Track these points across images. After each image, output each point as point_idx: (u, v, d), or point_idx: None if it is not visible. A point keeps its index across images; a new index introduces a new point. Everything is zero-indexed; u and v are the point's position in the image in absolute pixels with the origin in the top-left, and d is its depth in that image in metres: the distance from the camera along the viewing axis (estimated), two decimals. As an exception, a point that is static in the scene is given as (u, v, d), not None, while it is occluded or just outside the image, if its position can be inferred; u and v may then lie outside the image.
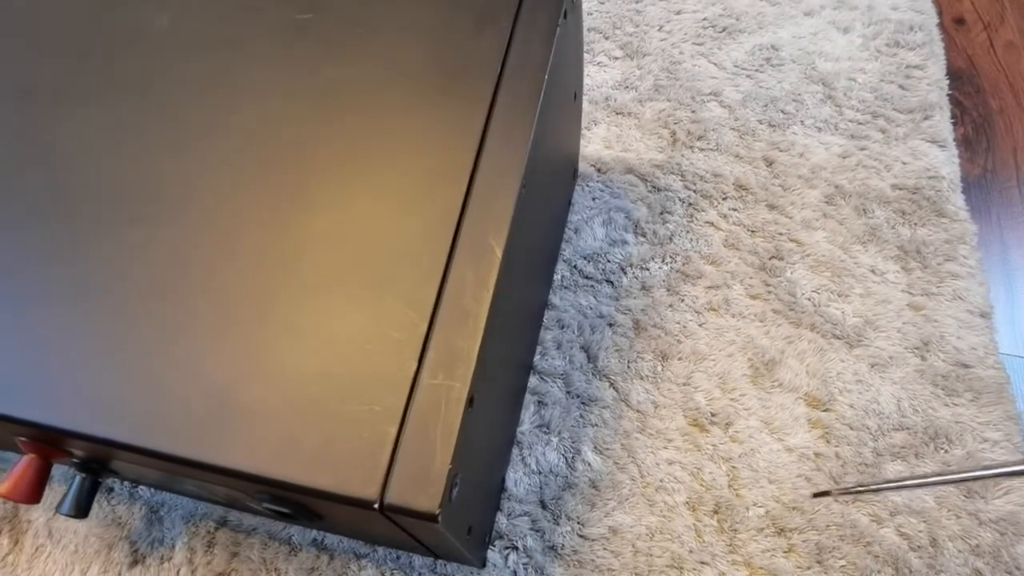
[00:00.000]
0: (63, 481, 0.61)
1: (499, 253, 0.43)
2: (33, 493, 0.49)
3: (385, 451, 0.38)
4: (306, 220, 0.45)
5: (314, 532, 0.57)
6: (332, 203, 0.46)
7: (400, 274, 0.43)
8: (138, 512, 0.59)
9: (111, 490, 0.61)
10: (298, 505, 0.43)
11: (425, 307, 0.42)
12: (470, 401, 0.40)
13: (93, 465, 0.52)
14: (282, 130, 0.49)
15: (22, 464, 0.49)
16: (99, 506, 0.60)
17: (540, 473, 0.58)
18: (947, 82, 0.86)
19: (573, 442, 0.59)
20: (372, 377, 0.40)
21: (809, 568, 0.53)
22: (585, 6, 0.97)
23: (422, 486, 0.37)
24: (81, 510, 0.52)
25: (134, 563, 0.57)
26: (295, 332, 0.42)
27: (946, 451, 0.57)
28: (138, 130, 0.50)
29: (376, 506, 0.37)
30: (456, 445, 0.38)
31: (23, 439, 0.47)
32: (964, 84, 0.88)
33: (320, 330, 0.42)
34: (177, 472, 0.44)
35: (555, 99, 0.54)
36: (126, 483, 0.61)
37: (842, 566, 0.53)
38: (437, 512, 0.37)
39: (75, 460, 0.51)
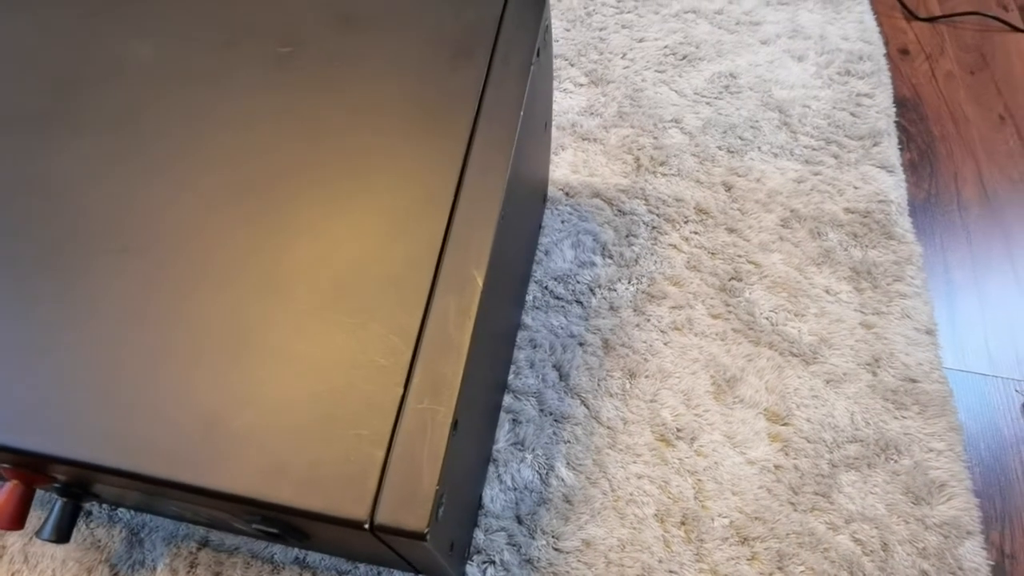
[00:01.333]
0: (41, 506, 0.61)
1: (480, 282, 0.45)
2: (16, 519, 0.49)
3: (373, 473, 0.40)
4: (291, 249, 0.47)
5: (296, 551, 0.59)
6: (317, 233, 0.48)
7: (385, 302, 0.45)
8: (118, 535, 0.59)
9: (90, 513, 0.61)
10: (287, 525, 0.44)
11: (410, 334, 0.44)
12: (454, 424, 0.42)
13: (75, 489, 0.52)
14: (265, 162, 0.51)
15: (5, 490, 0.49)
16: (78, 530, 0.60)
17: (516, 489, 0.60)
18: (894, 110, 0.92)
19: (547, 459, 0.62)
20: (359, 402, 0.42)
21: (771, 574, 0.57)
22: (551, 34, 1.00)
23: (410, 506, 0.39)
24: (63, 535, 0.53)
25: (114, 586, 0.57)
26: (282, 358, 0.44)
27: (896, 461, 0.61)
28: (123, 160, 0.52)
29: (366, 526, 0.39)
30: (442, 467, 0.40)
31: (6, 466, 0.48)
32: (909, 112, 0.94)
33: (307, 356, 0.44)
34: (167, 496, 0.45)
35: (528, 130, 0.57)
36: (105, 506, 0.62)
37: (801, 571, 0.57)
38: (425, 531, 0.39)
39: (57, 485, 0.51)
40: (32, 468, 0.47)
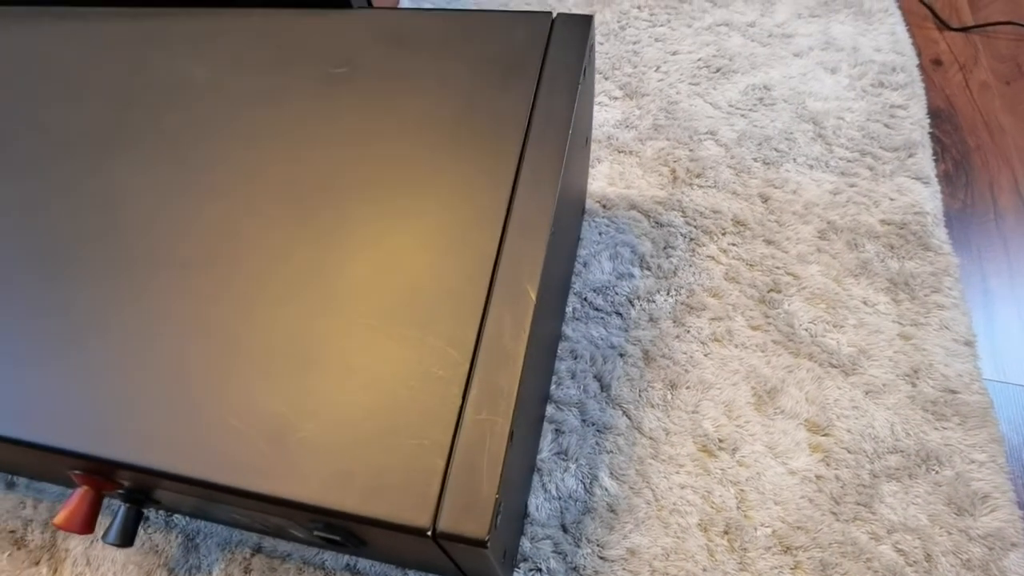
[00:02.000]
0: (102, 513, 0.63)
1: (533, 296, 0.47)
2: (87, 523, 0.51)
3: (435, 482, 0.42)
4: (350, 265, 0.49)
5: (347, 557, 0.60)
6: (375, 249, 0.49)
7: (442, 315, 0.46)
8: (175, 540, 0.62)
9: (147, 519, 0.63)
10: (348, 532, 0.46)
11: (466, 347, 0.45)
12: (511, 435, 0.43)
13: (138, 496, 0.55)
14: (321, 180, 0.52)
15: (76, 497, 0.52)
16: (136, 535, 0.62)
17: (560, 498, 0.61)
18: (928, 121, 0.92)
19: (590, 468, 0.63)
20: (420, 413, 0.44)
21: (814, 584, 0.57)
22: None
23: (472, 514, 0.40)
24: (127, 538, 0.55)
25: (172, 589, 0.59)
26: (344, 370, 0.45)
27: (937, 472, 0.62)
28: (181, 178, 0.54)
29: (429, 533, 0.40)
30: (501, 476, 0.42)
31: (77, 472, 0.50)
32: (943, 123, 0.94)
33: (368, 368, 0.45)
34: (235, 504, 0.47)
35: (573, 147, 0.58)
36: (162, 512, 0.64)
37: (845, 582, 0.57)
38: (486, 538, 0.40)
39: (121, 492, 0.53)
40: (102, 475, 0.50)
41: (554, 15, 0.58)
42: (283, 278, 0.49)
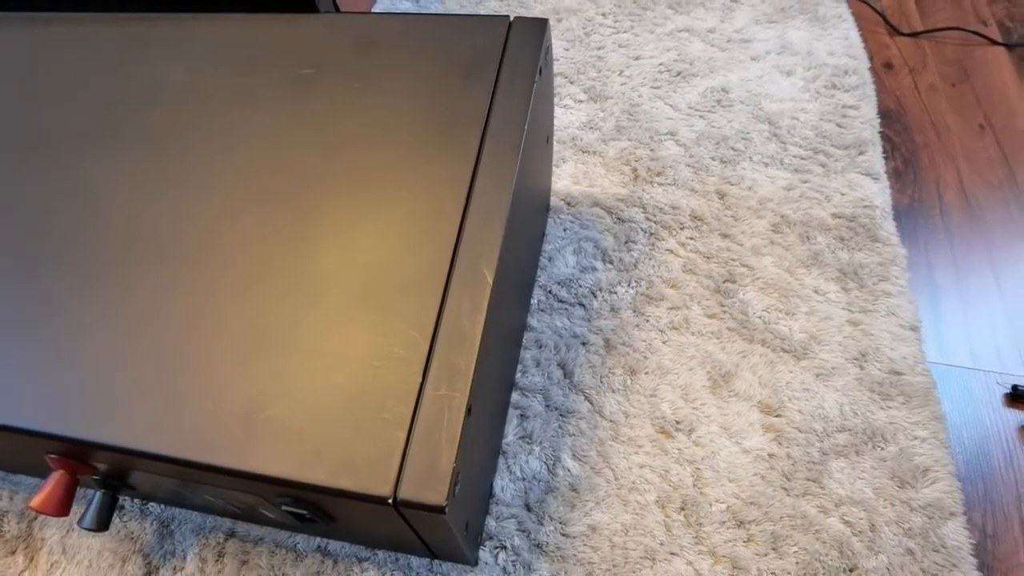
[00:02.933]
0: (77, 503, 0.65)
1: (490, 279, 0.49)
2: (63, 506, 0.53)
3: (396, 454, 0.44)
4: (318, 256, 0.51)
5: (318, 540, 0.62)
6: (341, 240, 0.52)
7: (404, 301, 0.49)
8: (150, 527, 0.63)
9: (122, 507, 0.65)
10: (315, 507, 0.48)
11: (427, 329, 0.48)
12: (468, 410, 0.46)
13: (113, 481, 0.56)
14: (291, 175, 0.55)
15: (51, 480, 0.53)
16: (111, 523, 0.64)
17: (524, 479, 0.64)
18: (878, 120, 0.96)
19: (553, 451, 0.66)
20: (382, 390, 0.46)
21: (766, 555, 0.60)
22: (552, 53, 1.05)
23: (430, 483, 0.43)
24: (102, 523, 0.56)
25: (148, 575, 0.61)
26: (312, 353, 0.48)
27: (882, 448, 0.65)
28: (159, 175, 0.56)
29: (390, 501, 0.43)
30: (459, 447, 0.44)
31: (52, 456, 0.52)
32: (893, 122, 0.99)
33: (334, 351, 0.48)
34: (208, 481, 0.49)
35: (531, 144, 0.62)
36: (136, 500, 0.65)
37: (795, 551, 0.60)
38: (444, 504, 0.42)
39: (97, 477, 0.55)
40: (77, 458, 0.51)
41: (511, 19, 0.61)
42: (255, 268, 0.51)
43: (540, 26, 0.60)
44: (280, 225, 0.53)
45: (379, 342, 0.48)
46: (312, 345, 0.48)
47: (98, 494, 0.57)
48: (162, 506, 0.65)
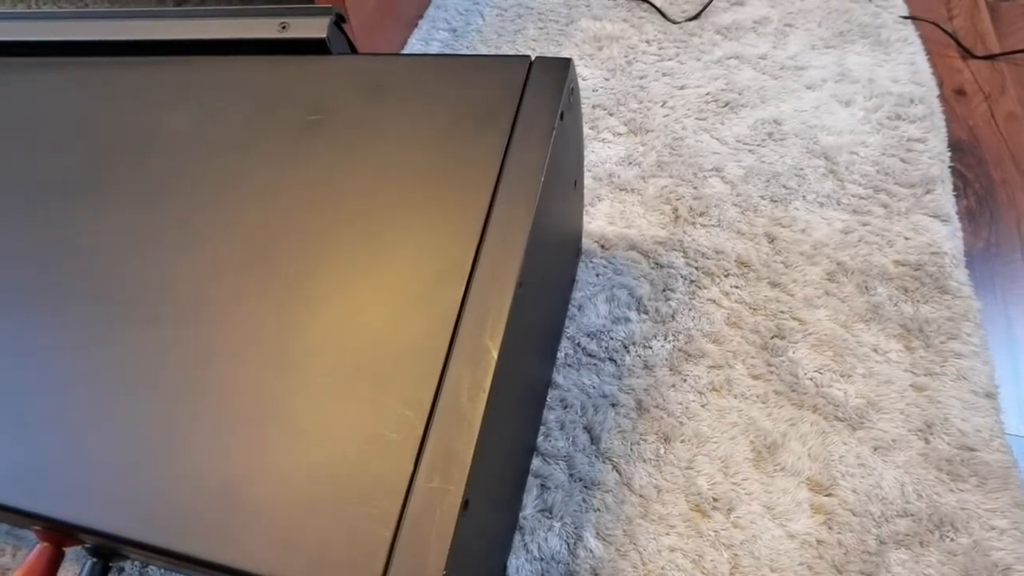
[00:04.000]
0: (75, 560, 0.62)
1: (495, 354, 0.44)
2: (45, 581, 0.50)
3: (380, 555, 0.39)
4: (312, 320, 0.47)
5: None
6: (338, 303, 0.48)
7: (399, 374, 0.45)
8: (147, 594, 0.60)
9: (122, 570, 0.62)
10: (297, 603, 0.44)
11: (423, 408, 0.43)
12: (465, 504, 0.41)
13: (104, 551, 0.53)
14: (290, 230, 0.51)
15: (35, 552, 0.51)
16: (110, 587, 0.61)
17: (542, 560, 0.58)
18: (949, 154, 0.88)
19: (575, 527, 0.60)
20: (370, 479, 0.41)
21: (813, 662, 0.53)
22: (591, 83, 1.01)
23: (416, 592, 0.38)
24: (92, 595, 0.53)
25: (142, 646, 0.58)
26: (297, 431, 0.44)
27: (952, 539, 0.57)
28: (153, 229, 0.53)
29: (371, 611, 0.38)
30: (450, 549, 0.39)
31: (37, 528, 0.49)
32: (966, 156, 0.90)
33: (321, 429, 0.43)
34: (181, 568, 0.45)
35: (555, 191, 0.57)
36: (136, 562, 0.63)
37: (846, 661, 0.53)
38: (429, 619, 0.37)
39: (87, 546, 0.52)
40: (60, 531, 0.49)
41: (532, 59, 0.56)
42: (243, 332, 0.48)
43: (562, 66, 0.56)
44: (274, 285, 0.49)
45: (370, 421, 0.43)
46: (298, 422, 0.44)
47: (88, 563, 0.54)
48: (162, 570, 0.62)
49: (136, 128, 0.58)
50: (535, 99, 0.54)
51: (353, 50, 0.64)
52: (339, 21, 0.62)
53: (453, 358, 0.44)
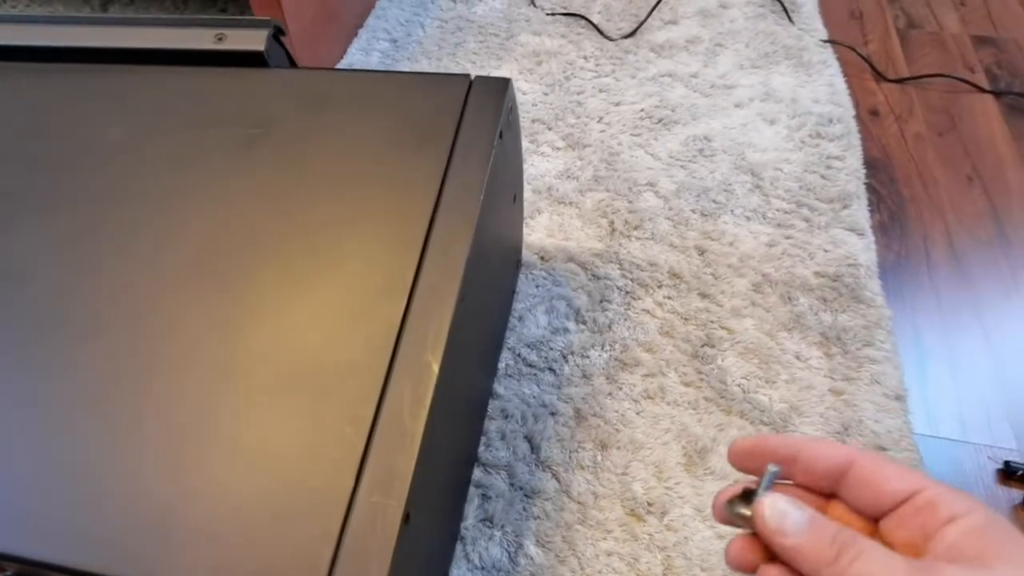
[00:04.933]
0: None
1: (436, 369, 0.45)
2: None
3: (321, 572, 0.40)
4: (250, 337, 0.47)
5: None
6: (277, 320, 0.48)
7: (340, 390, 0.45)
8: (76, 619, 0.58)
9: (48, 596, 0.60)
10: (237, 622, 0.44)
11: (363, 424, 0.44)
12: (406, 518, 0.41)
13: (31, 576, 0.52)
14: (229, 246, 0.51)
15: (-43, 581, 0.49)
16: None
17: (483, 569, 0.59)
18: (864, 171, 0.93)
19: (516, 536, 0.61)
20: (310, 497, 0.42)
21: (741, 657, 0.56)
22: (530, 97, 1.03)
23: (357, 608, 0.38)
24: (17, 623, 0.51)
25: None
26: (235, 450, 0.43)
27: (866, 535, 0.61)
28: (88, 244, 0.52)
29: (312, 629, 0.38)
30: (391, 564, 0.40)
31: (-41, 556, 0.47)
32: (879, 173, 0.96)
33: (260, 447, 0.43)
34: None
35: (494, 207, 0.58)
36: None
37: (771, 654, 0.56)
38: (371, 635, 0.38)
39: (8, 574, 0.50)
40: (-15, 558, 0.47)
41: (472, 78, 0.58)
42: (180, 350, 0.47)
43: (502, 85, 0.57)
44: (212, 302, 0.49)
45: (310, 438, 0.43)
46: (236, 440, 0.44)
47: (14, 590, 0.52)
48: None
49: (69, 139, 0.57)
50: (475, 118, 0.56)
51: (292, 63, 0.64)
52: (278, 33, 0.62)
53: (394, 374, 0.45)
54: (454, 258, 0.49)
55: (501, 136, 0.56)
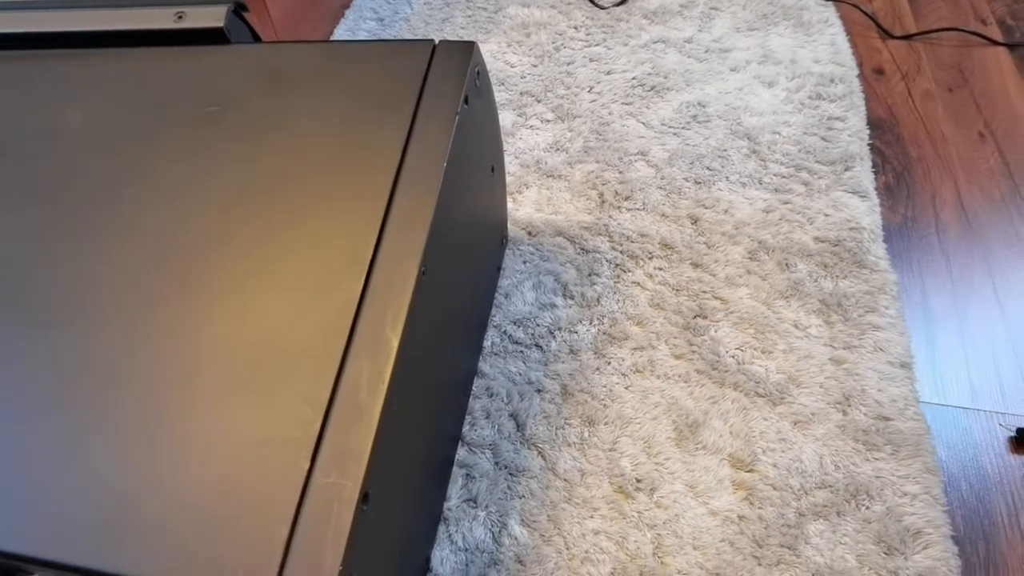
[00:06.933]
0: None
1: (396, 344, 0.43)
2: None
3: (276, 554, 0.38)
4: (206, 320, 0.46)
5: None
6: (233, 302, 0.46)
7: (297, 371, 0.43)
8: (59, 609, 0.58)
9: (33, 587, 0.59)
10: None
11: (320, 403, 0.42)
12: (364, 498, 0.40)
13: (3, 568, 0.51)
14: (186, 229, 0.50)
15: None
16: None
17: (466, 550, 0.58)
18: (868, 132, 0.89)
19: (500, 516, 0.59)
20: (266, 479, 0.40)
21: (734, 636, 0.53)
22: (519, 70, 1.00)
23: (311, 589, 0.37)
24: (-8, 615, 0.51)
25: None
26: (193, 437, 0.42)
27: (867, 507, 0.58)
28: (44, 231, 0.51)
29: (265, 614, 0.37)
30: (348, 545, 0.38)
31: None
32: (884, 133, 0.91)
33: (217, 433, 0.42)
34: (74, 582, 0.43)
35: (465, 177, 0.56)
36: None
37: (766, 632, 0.53)
38: (325, 618, 0.36)
39: (-15, 564, 0.50)
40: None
41: (436, 43, 0.55)
42: (136, 337, 0.46)
43: (466, 50, 0.55)
44: (170, 286, 0.47)
45: (266, 421, 0.42)
46: (193, 428, 0.42)
47: (-12, 581, 0.52)
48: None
49: (26, 125, 0.56)
50: (438, 83, 0.53)
51: (256, 38, 0.62)
52: (239, 9, 0.60)
53: (352, 351, 0.43)
54: (415, 230, 0.47)
55: (467, 102, 0.54)
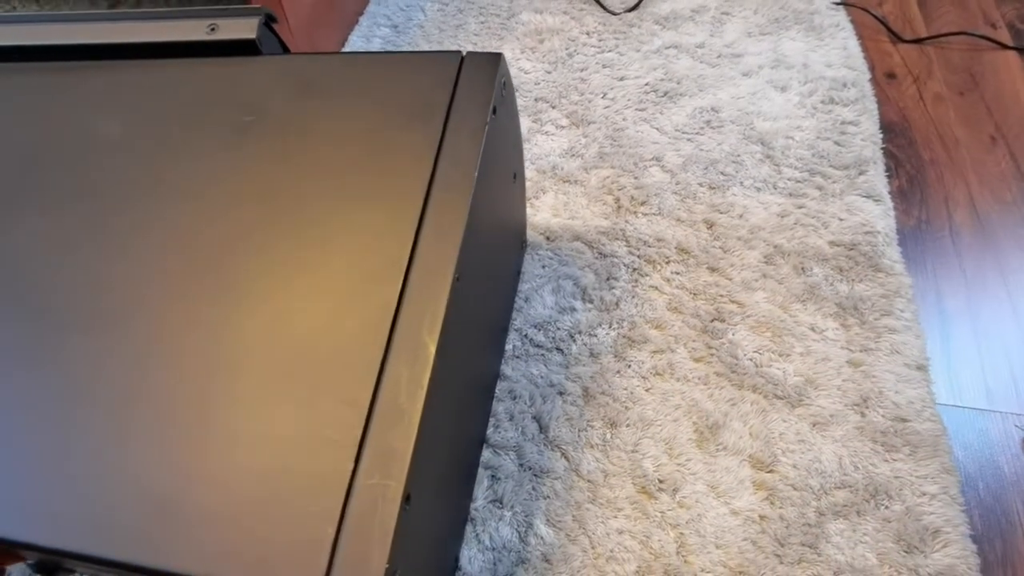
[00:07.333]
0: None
1: (433, 349, 0.45)
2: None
3: (324, 553, 0.39)
4: (248, 322, 0.47)
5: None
6: (273, 306, 0.48)
7: (337, 373, 0.45)
8: (96, 608, 0.59)
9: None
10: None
11: (361, 406, 0.43)
12: (407, 498, 0.41)
13: (48, 566, 0.52)
14: (224, 234, 0.51)
15: (-26, 573, 0.50)
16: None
17: (494, 549, 0.59)
18: (881, 136, 0.90)
19: (526, 516, 0.61)
20: (310, 478, 0.42)
21: (758, 633, 0.55)
22: (533, 76, 1.01)
23: (358, 587, 0.38)
24: (35, 613, 0.52)
25: (92, 661, 0.57)
26: (235, 435, 0.43)
27: (886, 507, 0.59)
28: (86, 237, 0.52)
29: (314, 610, 0.38)
30: (393, 544, 0.40)
31: (-26, 547, 0.48)
32: (897, 137, 0.93)
33: (260, 432, 0.43)
34: (124, 579, 0.45)
35: (492, 185, 0.57)
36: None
37: (789, 629, 0.55)
38: (372, 614, 0.38)
39: (30, 562, 0.51)
40: (1, 549, 0.48)
41: (463, 54, 0.57)
42: (179, 338, 0.47)
43: (494, 61, 0.56)
44: (211, 289, 0.49)
45: (308, 421, 0.43)
46: (236, 426, 0.44)
47: (31, 580, 0.53)
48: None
49: (66, 134, 0.57)
50: (467, 94, 0.55)
51: (285, 50, 0.64)
52: (269, 21, 0.61)
53: (391, 355, 0.45)
54: (449, 237, 0.49)
55: (495, 112, 0.55)
